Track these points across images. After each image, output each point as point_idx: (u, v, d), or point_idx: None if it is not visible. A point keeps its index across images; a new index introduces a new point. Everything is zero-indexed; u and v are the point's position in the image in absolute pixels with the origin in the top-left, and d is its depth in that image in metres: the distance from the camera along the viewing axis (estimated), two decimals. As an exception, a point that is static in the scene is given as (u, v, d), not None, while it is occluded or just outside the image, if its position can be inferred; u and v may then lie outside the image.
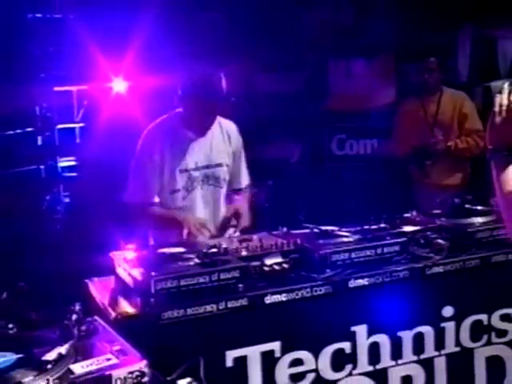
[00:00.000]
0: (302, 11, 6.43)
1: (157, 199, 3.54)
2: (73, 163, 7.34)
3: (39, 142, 7.19)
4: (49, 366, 1.78)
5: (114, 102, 6.74)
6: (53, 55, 6.79)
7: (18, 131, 6.80)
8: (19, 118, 6.82)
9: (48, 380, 1.72)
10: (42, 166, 7.17)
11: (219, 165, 3.63)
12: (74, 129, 7.53)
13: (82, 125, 7.48)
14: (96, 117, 6.99)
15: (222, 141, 3.65)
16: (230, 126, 3.70)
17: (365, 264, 2.83)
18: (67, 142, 7.39)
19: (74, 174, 7.28)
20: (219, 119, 3.62)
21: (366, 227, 3.05)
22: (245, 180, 3.83)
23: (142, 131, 3.65)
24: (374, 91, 6.60)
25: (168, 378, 1.77)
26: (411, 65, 5.77)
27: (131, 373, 1.77)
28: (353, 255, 2.81)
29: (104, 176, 6.49)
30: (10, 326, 2.34)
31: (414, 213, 3.40)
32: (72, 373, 1.77)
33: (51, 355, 1.83)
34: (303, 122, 6.33)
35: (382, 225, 3.10)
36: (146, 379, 1.77)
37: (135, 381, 1.76)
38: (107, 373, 1.75)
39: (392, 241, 2.94)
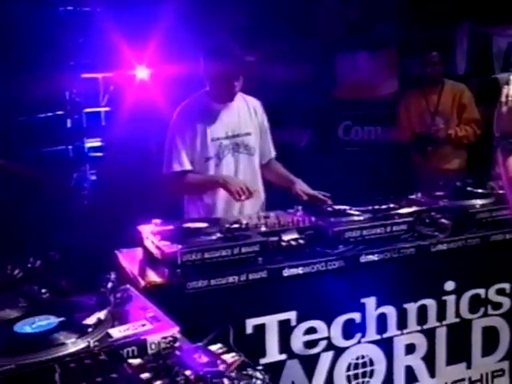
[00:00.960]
0: (313, 7, 6.39)
1: (189, 167, 3.48)
2: (98, 144, 7.34)
3: (68, 125, 7.19)
4: (89, 330, 1.76)
5: (136, 88, 6.72)
6: (81, 45, 6.77)
7: (50, 114, 6.80)
8: (50, 103, 6.81)
9: (89, 342, 1.69)
10: (70, 147, 7.17)
11: (248, 134, 3.60)
12: (99, 112, 7.52)
13: (107, 109, 7.47)
14: (120, 101, 6.97)
15: (248, 113, 3.63)
16: (254, 102, 3.69)
17: (375, 241, 2.81)
18: (93, 125, 7.39)
19: (99, 154, 7.28)
20: (244, 96, 3.63)
21: (375, 207, 3.03)
22: (271, 154, 3.81)
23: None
24: (377, 82, 6.57)
25: (200, 344, 1.74)
26: (413, 58, 5.72)
27: (164, 338, 1.75)
28: (364, 233, 2.79)
29: (127, 155, 6.48)
30: (43, 291, 2.33)
31: (419, 194, 3.37)
32: (110, 336, 1.75)
33: (91, 320, 1.81)
34: (312, 109, 6.31)
35: (391, 205, 3.08)
36: (177, 344, 1.74)
37: (168, 345, 1.73)
38: (142, 337, 1.73)
39: (400, 220, 2.92)
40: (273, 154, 3.81)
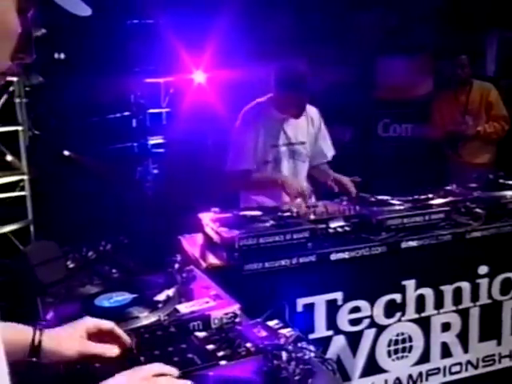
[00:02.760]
0: (356, 15, 6.35)
1: (253, 166, 3.47)
2: (160, 141, 7.42)
3: (133, 124, 7.29)
4: (159, 305, 1.77)
5: (194, 91, 6.76)
6: (145, 53, 6.85)
7: (117, 115, 6.89)
8: (118, 104, 6.91)
9: (159, 316, 1.71)
10: (135, 144, 7.27)
11: (303, 143, 3.58)
12: (161, 113, 7.61)
13: (167, 110, 7.54)
14: (179, 103, 7.03)
15: (305, 123, 3.59)
16: (312, 110, 3.64)
17: (414, 228, 2.75)
18: (156, 124, 7.48)
19: (161, 150, 7.36)
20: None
21: (415, 197, 2.98)
22: (328, 154, 3.75)
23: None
24: (414, 83, 6.49)
25: (258, 320, 1.74)
26: (446, 61, 5.62)
27: (226, 314, 1.75)
28: (405, 221, 2.74)
29: (185, 151, 6.54)
30: (113, 271, 2.36)
31: (454, 186, 3.31)
32: (178, 312, 1.76)
33: (161, 296, 1.82)
34: (355, 108, 6.26)
35: (429, 195, 3.02)
36: (238, 320, 1.74)
37: (229, 321, 1.73)
38: (207, 313, 1.73)
39: (437, 209, 2.86)
40: (328, 156, 3.75)
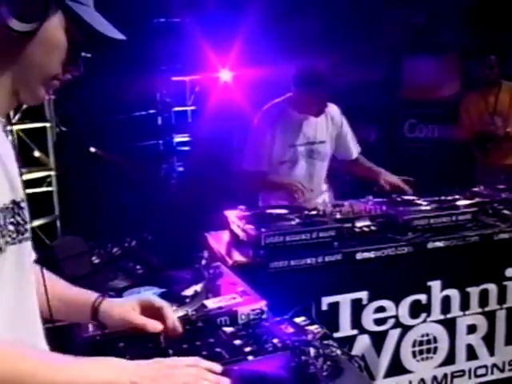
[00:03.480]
0: (382, 14, 6.31)
1: (265, 168, 3.47)
2: (185, 139, 7.48)
3: (159, 122, 7.36)
4: (187, 300, 1.79)
5: (220, 89, 6.79)
6: (171, 51, 6.90)
7: (143, 113, 6.96)
8: (144, 102, 6.98)
9: (187, 311, 1.72)
10: (160, 141, 7.34)
11: (322, 142, 3.55)
12: (186, 111, 7.67)
13: (193, 108, 7.60)
14: (205, 101, 7.07)
15: (325, 122, 3.56)
16: (332, 108, 3.59)
17: (441, 229, 2.74)
18: (181, 122, 7.54)
19: (186, 148, 7.42)
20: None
21: (442, 198, 2.97)
22: (355, 151, 3.73)
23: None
24: (441, 83, 6.42)
25: (285, 316, 1.75)
26: (474, 61, 5.55)
27: (253, 310, 1.76)
28: (431, 221, 2.73)
29: (210, 149, 6.57)
30: (138, 267, 2.39)
31: (482, 187, 3.28)
32: (205, 307, 1.77)
33: (189, 291, 1.84)
34: (380, 108, 6.23)
35: (456, 196, 3.01)
36: (265, 316, 1.76)
37: (256, 317, 1.75)
38: (234, 309, 1.75)
39: (464, 210, 2.84)
40: (358, 150, 3.73)
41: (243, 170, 3.52)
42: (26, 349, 1.13)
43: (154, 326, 1.52)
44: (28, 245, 1.24)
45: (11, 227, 1.16)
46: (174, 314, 1.58)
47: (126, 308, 1.55)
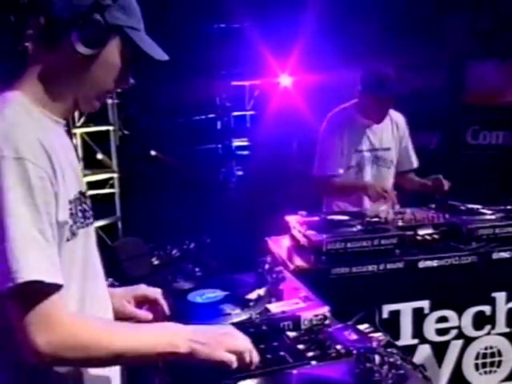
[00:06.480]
0: (446, 19, 6.21)
1: (341, 171, 3.47)
2: (244, 143, 7.55)
3: (218, 126, 7.46)
4: (250, 304, 1.82)
5: (279, 94, 6.83)
6: (232, 56, 6.98)
7: (203, 117, 7.08)
8: (204, 107, 7.09)
9: (251, 314, 1.75)
10: (219, 145, 7.43)
11: (387, 149, 3.55)
12: (245, 116, 7.74)
13: (252, 112, 7.66)
14: (264, 106, 7.13)
15: (390, 129, 3.57)
16: (398, 117, 3.61)
17: (507, 239, 2.68)
18: (240, 126, 7.61)
19: (245, 152, 7.48)
20: (389, 111, 3.55)
21: (508, 207, 2.90)
22: (414, 162, 3.70)
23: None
24: (505, 88, 6.26)
25: (349, 323, 1.76)
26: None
27: (316, 315, 1.77)
28: (496, 231, 2.67)
29: (270, 154, 6.61)
30: (197, 269, 2.43)
31: (551, 197, 3.19)
32: (268, 311, 1.80)
33: (252, 295, 1.87)
34: (442, 113, 6.13)
35: (523, 205, 2.94)
36: (327, 322, 1.77)
37: (319, 322, 1.76)
38: (297, 314, 1.77)
39: (532, 220, 2.77)
40: (414, 164, 3.70)
41: (316, 175, 3.54)
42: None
43: (145, 316, 1.70)
44: (93, 228, 1.48)
45: (80, 214, 1.37)
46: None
47: (120, 300, 1.69)
